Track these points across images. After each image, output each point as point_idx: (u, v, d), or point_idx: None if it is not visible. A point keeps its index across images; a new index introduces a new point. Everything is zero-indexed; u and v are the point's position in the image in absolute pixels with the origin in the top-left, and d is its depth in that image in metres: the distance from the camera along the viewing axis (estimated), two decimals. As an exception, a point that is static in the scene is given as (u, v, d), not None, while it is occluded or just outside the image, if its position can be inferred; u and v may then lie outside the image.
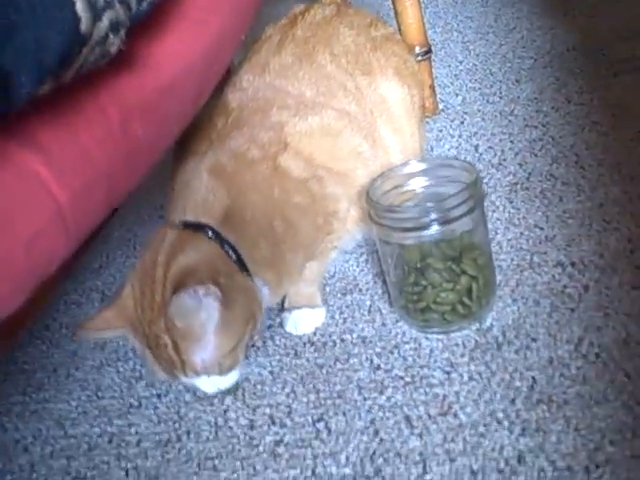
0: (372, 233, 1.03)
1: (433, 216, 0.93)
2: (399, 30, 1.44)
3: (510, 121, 1.43)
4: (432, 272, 0.96)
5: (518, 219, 1.16)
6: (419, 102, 1.21)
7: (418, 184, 1.03)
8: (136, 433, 1.01)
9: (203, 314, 0.90)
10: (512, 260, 1.08)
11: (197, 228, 0.97)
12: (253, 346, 1.07)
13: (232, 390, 1.00)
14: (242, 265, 0.97)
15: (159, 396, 1.06)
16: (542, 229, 1.12)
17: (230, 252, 0.97)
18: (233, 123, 1.03)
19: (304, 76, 1.08)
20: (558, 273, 1.03)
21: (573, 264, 1.04)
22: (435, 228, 0.93)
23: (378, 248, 1.03)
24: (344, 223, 1.07)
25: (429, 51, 1.48)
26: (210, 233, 0.96)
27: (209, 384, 0.96)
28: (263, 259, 0.99)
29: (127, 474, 0.95)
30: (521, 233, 1.13)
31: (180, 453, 0.96)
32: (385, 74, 1.14)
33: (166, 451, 0.97)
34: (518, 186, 1.24)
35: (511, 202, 1.20)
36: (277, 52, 1.10)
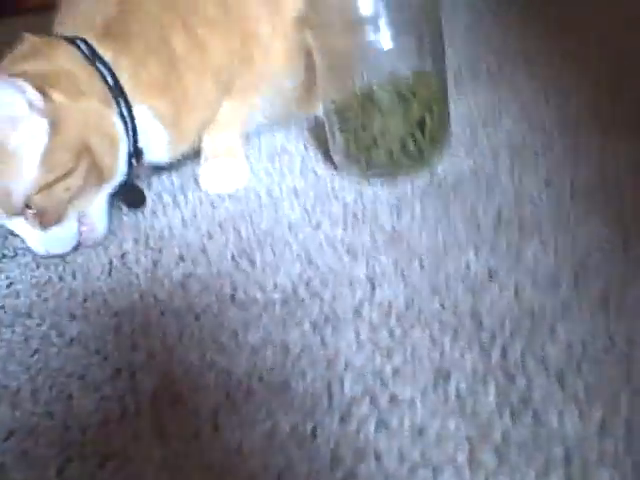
0: (308, 44, 0.86)
1: (381, 7, 0.79)
2: None
3: None
4: (381, 93, 0.82)
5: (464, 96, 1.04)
6: None
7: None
8: (7, 278, 0.81)
9: (23, 129, 0.74)
10: (464, 123, 0.95)
11: (71, 42, 0.80)
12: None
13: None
14: (117, 89, 0.81)
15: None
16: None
17: (104, 71, 0.80)
18: None
19: None
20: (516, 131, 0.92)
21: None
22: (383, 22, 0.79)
23: (318, 68, 0.85)
24: (266, 54, 0.91)
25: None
26: (83, 46, 0.80)
27: (35, 238, 0.78)
28: (153, 82, 0.83)
29: (-10, 313, 0.75)
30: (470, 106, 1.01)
31: (62, 291, 0.76)
32: None
33: (43, 290, 0.77)
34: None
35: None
36: None
